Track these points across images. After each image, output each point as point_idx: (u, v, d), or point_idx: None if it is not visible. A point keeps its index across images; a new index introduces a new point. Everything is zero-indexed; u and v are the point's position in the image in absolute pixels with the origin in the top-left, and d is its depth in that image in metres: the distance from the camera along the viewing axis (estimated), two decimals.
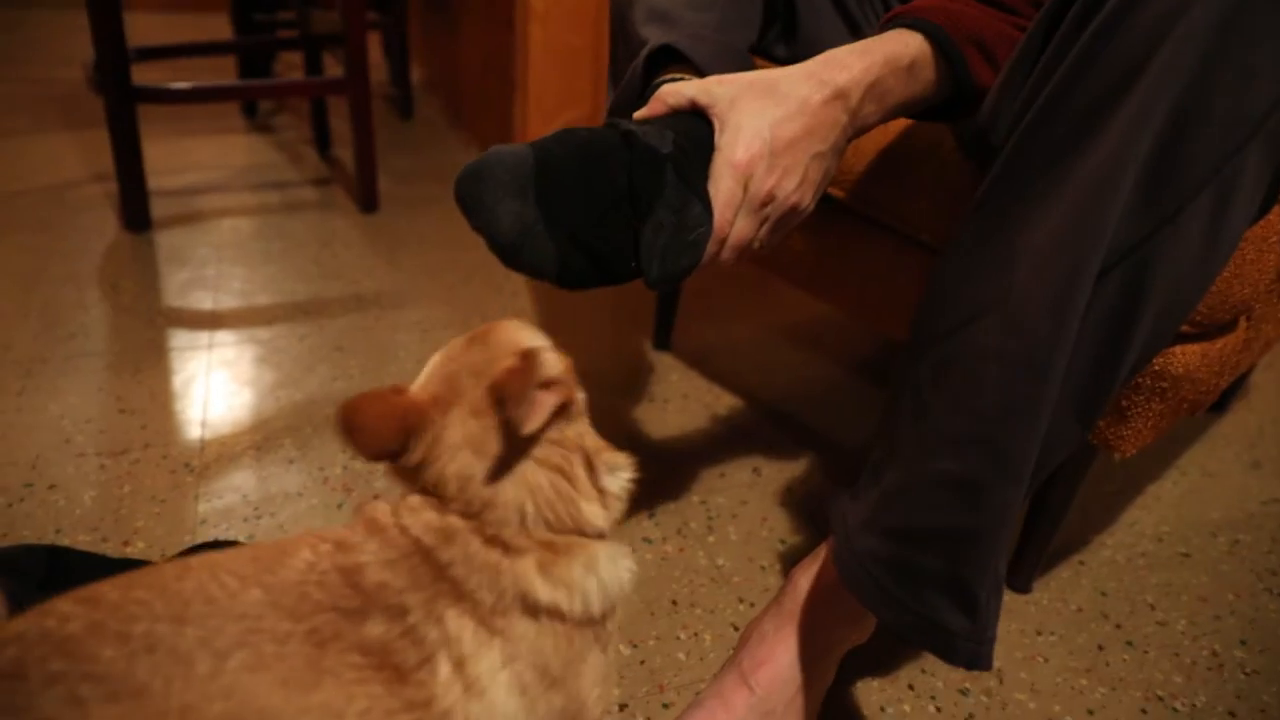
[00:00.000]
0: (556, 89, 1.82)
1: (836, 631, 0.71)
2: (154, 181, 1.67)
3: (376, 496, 0.59)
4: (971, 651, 0.63)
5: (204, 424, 1.08)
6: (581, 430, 0.50)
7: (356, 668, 0.42)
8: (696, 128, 0.63)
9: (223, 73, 2.49)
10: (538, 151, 0.58)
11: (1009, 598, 0.91)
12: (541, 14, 1.73)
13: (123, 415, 1.09)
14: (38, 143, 2.04)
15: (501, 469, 0.46)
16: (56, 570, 0.80)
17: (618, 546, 0.51)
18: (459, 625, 0.44)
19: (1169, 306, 0.57)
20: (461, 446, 0.47)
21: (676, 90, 0.64)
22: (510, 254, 0.58)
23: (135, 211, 1.62)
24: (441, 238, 1.73)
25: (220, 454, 1.03)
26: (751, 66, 0.87)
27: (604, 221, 0.59)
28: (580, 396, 0.50)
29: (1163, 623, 0.90)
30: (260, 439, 1.06)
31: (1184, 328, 0.74)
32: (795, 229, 0.81)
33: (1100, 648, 0.86)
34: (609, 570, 0.49)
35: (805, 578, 0.73)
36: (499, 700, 0.45)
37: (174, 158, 2.00)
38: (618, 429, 1.16)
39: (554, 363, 0.48)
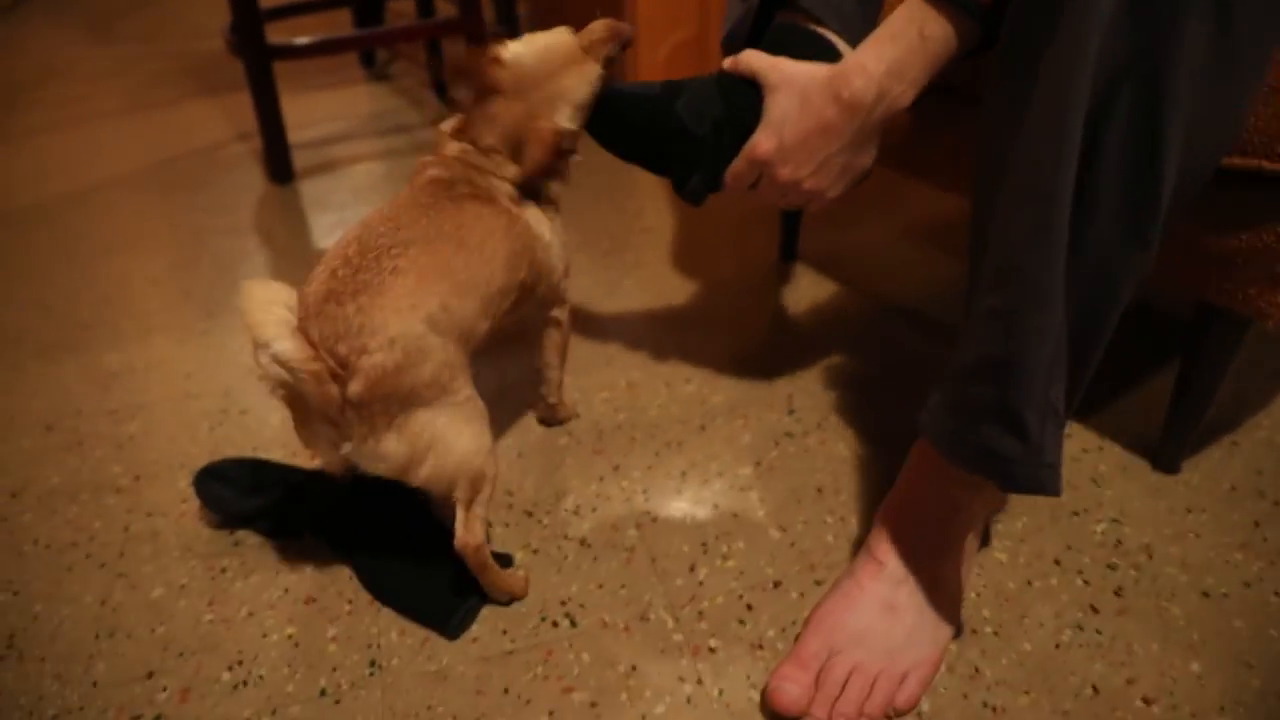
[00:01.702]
0: (665, 11, 1.82)
1: (952, 493, 0.74)
2: (289, 136, 1.77)
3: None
4: (1029, 475, 0.65)
5: None
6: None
7: (470, 201, 0.77)
8: (751, 105, 0.77)
9: (340, 29, 2.59)
10: (609, 99, 0.83)
11: (1155, 477, 0.91)
12: None
13: None
14: (184, 110, 2.19)
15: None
16: (261, 479, 0.90)
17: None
18: (493, 185, 0.80)
19: (1202, 116, 0.56)
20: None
21: (748, 61, 0.77)
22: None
23: (279, 164, 1.74)
24: None
25: None
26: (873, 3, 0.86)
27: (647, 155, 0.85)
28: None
29: None
30: None
31: None
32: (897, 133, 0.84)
33: (1256, 524, 0.85)
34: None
35: (919, 451, 0.77)
36: (533, 214, 0.83)
37: (303, 112, 2.10)
38: (749, 335, 1.19)
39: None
